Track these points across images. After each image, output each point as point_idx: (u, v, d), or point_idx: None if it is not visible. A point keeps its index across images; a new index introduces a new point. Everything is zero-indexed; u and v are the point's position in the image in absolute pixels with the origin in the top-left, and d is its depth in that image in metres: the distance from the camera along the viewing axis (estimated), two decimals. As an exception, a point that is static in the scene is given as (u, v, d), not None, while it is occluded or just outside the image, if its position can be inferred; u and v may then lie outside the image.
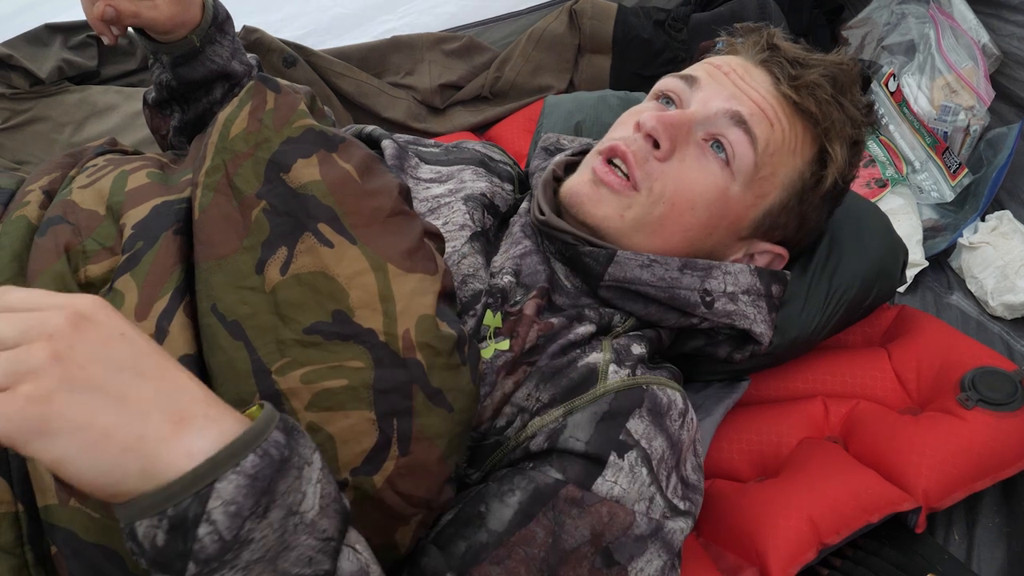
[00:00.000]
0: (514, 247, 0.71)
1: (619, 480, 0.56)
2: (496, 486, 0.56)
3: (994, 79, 1.51)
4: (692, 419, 0.64)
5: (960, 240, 1.35)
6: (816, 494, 0.71)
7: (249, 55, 0.92)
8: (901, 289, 1.31)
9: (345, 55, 1.56)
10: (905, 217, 1.40)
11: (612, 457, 0.57)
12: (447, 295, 0.55)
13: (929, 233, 1.43)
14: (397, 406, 0.49)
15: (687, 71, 0.74)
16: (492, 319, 0.64)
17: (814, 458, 0.76)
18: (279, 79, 0.64)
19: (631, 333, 0.69)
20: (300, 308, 0.51)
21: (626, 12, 1.61)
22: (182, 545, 0.35)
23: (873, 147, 1.51)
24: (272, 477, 0.37)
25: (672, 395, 0.63)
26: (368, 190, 0.57)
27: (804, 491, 0.72)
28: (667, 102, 0.73)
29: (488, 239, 0.73)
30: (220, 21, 0.84)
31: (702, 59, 0.76)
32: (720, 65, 0.72)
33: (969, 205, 1.44)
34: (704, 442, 0.80)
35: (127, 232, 0.56)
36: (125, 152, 0.76)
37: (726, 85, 0.70)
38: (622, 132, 0.72)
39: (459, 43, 1.62)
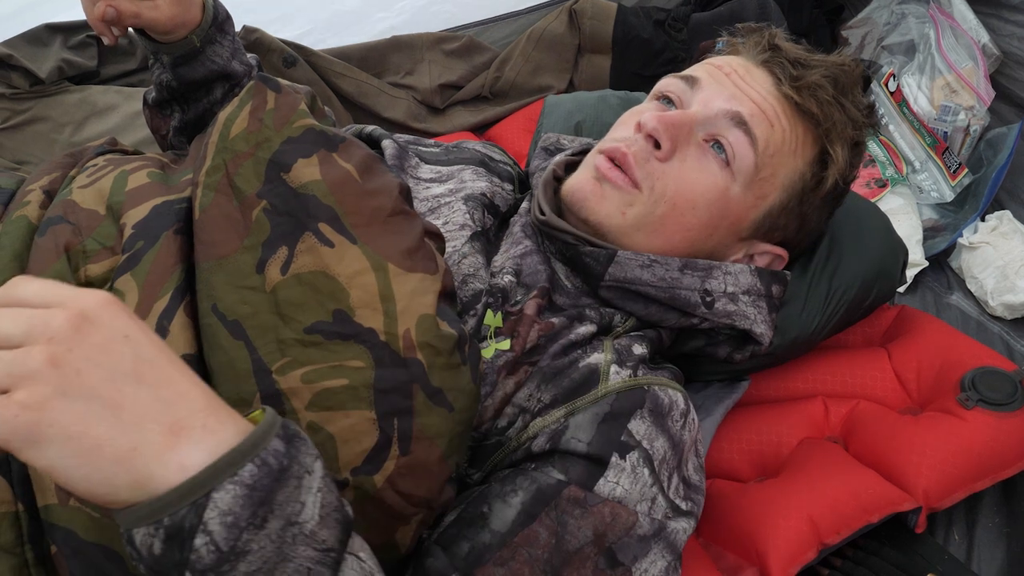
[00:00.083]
0: (514, 247, 0.71)
1: (621, 481, 0.56)
2: (499, 487, 0.56)
3: (994, 79, 1.51)
4: (693, 419, 0.64)
5: (960, 240, 1.35)
6: (816, 494, 0.71)
7: (249, 55, 0.92)
8: (901, 289, 1.31)
9: (345, 55, 1.56)
10: (905, 217, 1.40)
11: (614, 458, 0.57)
12: (448, 295, 0.55)
13: (929, 233, 1.44)
14: (398, 406, 0.49)
15: (688, 71, 0.74)
16: (493, 319, 0.64)
17: (814, 458, 0.76)
18: (279, 79, 0.64)
19: (632, 333, 0.69)
20: (301, 308, 0.51)
21: (626, 12, 1.61)
22: (179, 555, 0.35)
23: (873, 147, 1.51)
24: (270, 487, 0.37)
25: (673, 396, 0.63)
26: (368, 190, 0.57)
27: (804, 491, 0.72)
28: (668, 103, 0.73)
29: (488, 239, 0.73)
30: (220, 21, 0.84)
31: (702, 59, 0.76)
32: (721, 66, 0.72)
33: (969, 205, 1.44)
34: (704, 442, 0.80)
35: (127, 232, 0.56)
36: (125, 152, 0.76)
37: (727, 86, 0.70)
38: (623, 132, 0.72)
39: (459, 43, 1.62)
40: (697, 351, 0.77)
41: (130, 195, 0.60)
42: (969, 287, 1.32)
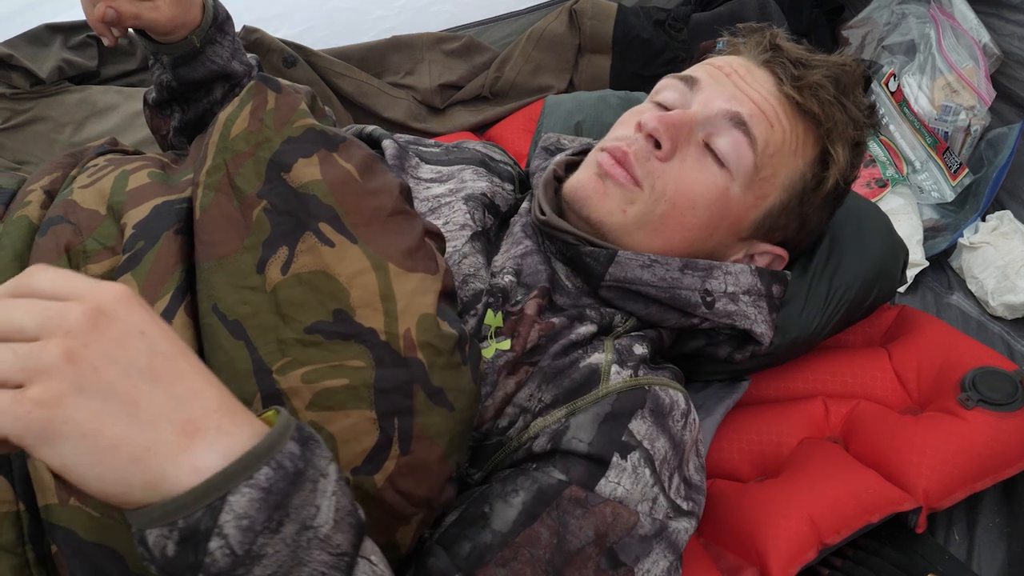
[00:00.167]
0: (515, 247, 0.71)
1: (622, 481, 0.56)
2: (500, 487, 0.56)
3: (995, 79, 1.51)
4: (694, 419, 0.64)
5: (960, 240, 1.35)
6: (816, 494, 0.71)
7: (249, 55, 0.92)
8: (901, 289, 1.31)
9: (345, 55, 1.56)
10: (905, 217, 1.40)
11: (615, 458, 0.57)
12: (448, 294, 0.55)
13: (929, 233, 1.44)
14: (398, 405, 0.49)
15: (687, 72, 0.74)
16: (493, 319, 0.64)
17: (814, 458, 0.76)
18: (279, 79, 0.64)
19: (632, 333, 0.69)
20: (301, 307, 0.51)
21: (626, 12, 1.61)
22: (193, 557, 0.35)
23: (873, 147, 1.51)
24: (286, 490, 0.36)
25: (674, 396, 0.63)
26: (369, 189, 0.57)
27: (804, 491, 0.71)
28: (668, 105, 0.73)
29: (489, 239, 0.73)
30: (220, 21, 0.84)
31: (703, 59, 0.76)
32: (722, 66, 0.72)
33: (969, 205, 1.44)
34: (704, 442, 0.80)
35: (128, 232, 0.56)
36: (126, 152, 0.76)
37: (726, 86, 0.70)
38: (623, 131, 0.72)
39: (459, 43, 1.62)
40: (697, 351, 0.77)
41: (131, 195, 0.61)
42: (969, 287, 1.32)
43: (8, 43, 1.39)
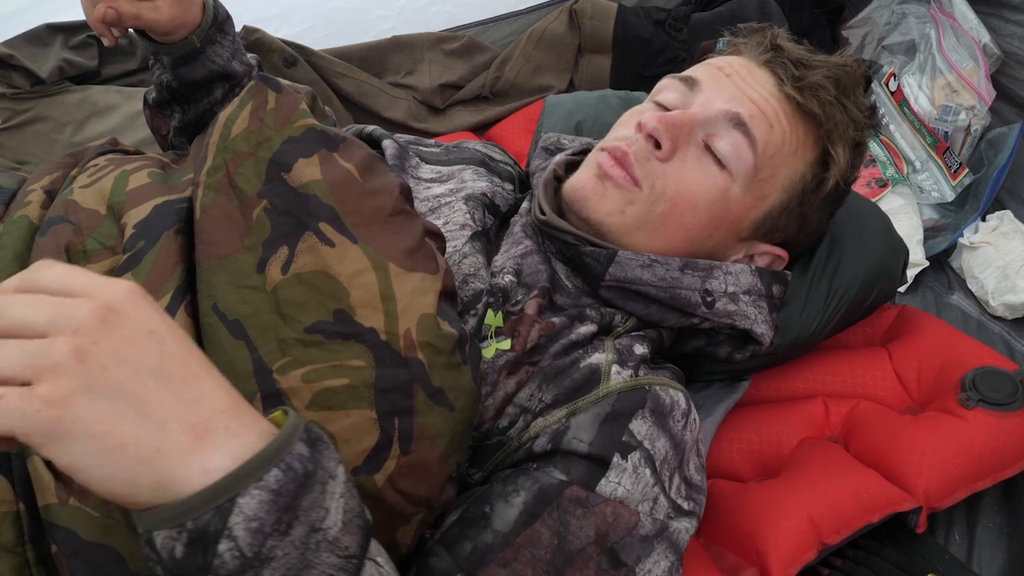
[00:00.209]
0: (515, 247, 0.71)
1: (623, 481, 0.56)
2: (500, 487, 0.56)
3: (995, 79, 1.51)
4: (695, 420, 0.64)
5: (961, 240, 1.35)
6: (816, 494, 0.71)
7: (249, 55, 0.92)
8: (902, 289, 1.31)
9: (345, 55, 1.56)
10: (906, 217, 1.40)
11: (615, 458, 0.57)
12: (448, 294, 0.55)
13: (930, 233, 1.44)
14: (398, 405, 0.49)
15: (687, 72, 0.74)
16: (493, 318, 0.64)
17: (814, 458, 0.76)
18: (280, 79, 0.64)
19: (633, 333, 0.69)
20: (301, 307, 0.51)
21: (626, 12, 1.61)
22: (201, 559, 0.34)
23: (873, 147, 1.51)
24: (295, 492, 0.36)
25: (675, 396, 0.63)
26: (369, 189, 0.57)
27: (804, 491, 0.71)
28: (668, 105, 0.73)
29: (489, 239, 0.73)
30: (220, 22, 0.84)
31: (703, 59, 0.76)
32: (722, 66, 0.72)
33: (970, 205, 1.44)
34: (705, 442, 0.80)
35: (128, 232, 0.56)
36: (126, 152, 0.76)
37: (726, 87, 0.70)
38: (624, 132, 0.72)
39: (459, 43, 1.62)
40: (697, 351, 0.77)
41: (131, 195, 0.61)
42: (970, 287, 1.32)
43: (8, 43, 1.39)
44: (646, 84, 0.81)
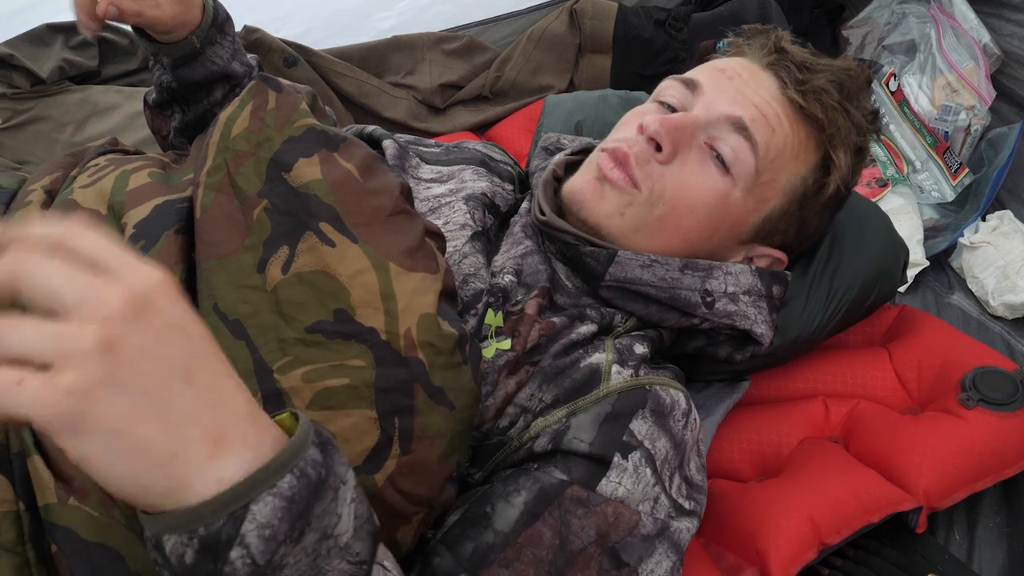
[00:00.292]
0: (515, 247, 0.71)
1: (623, 481, 0.56)
2: (501, 487, 0.56)
3: (995, 79, 1.51)
4: (695, 419, 0.64)
5: (961, 240, 1.35)
6: (817, 494, 0.71)
7: (249, 55, 0.92)
8: (902, 289, 1.31)
9: (345, 55, 1.56)
10: (906, 217, 1.40)
11: (616, 458, 0.57)
12: (448, 294, 0.55)
13: (930, 233, 1.43)
14: (399, 405, 0.49)
15: (690, 74, 0.74)
16: (494, 318, 0.64)
17: (815, 458, 0.76)
18: (280, 79, 0.64)
19: (633, 333, 0.69)
20: (302, 307, 0.51)
21: (626, 12, 1.61)
22: (212, 566, 0.34)
23: (873, 147, 1.51)
24: (308, 499, 0.35)
25: (675, 395, 0.63)
26: (369, 189, 0.57)
27: (805, 491, 0.71)
28: (669, 109, 0.73)
29: (489, 239, 0.73)
30: (220, 22, 0.84)
31: (705, 59, 0.76)
32: (725, 69, 0.72)
33: (970, 205, 1.44)
34: (705, 442, 0.80)
35: (128, 231, 0.56)
36: (126, 152, 0.76)
37: (728, 90, 0.70)
38: (625, 133, 0.72)
39: (459, 43, 1.62)
40: (697, 351, 0.77)
41: (131, 195, 0.61)
42: (970, 287, 1.32)
43: (9, 43, 1.39)
44: (646, 84, 0.81)
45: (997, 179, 1.38)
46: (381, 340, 0.50)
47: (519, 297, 0.66)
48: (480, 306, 0.65)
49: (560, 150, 0.86)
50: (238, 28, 0.92)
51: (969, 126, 1.50)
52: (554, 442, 0.58)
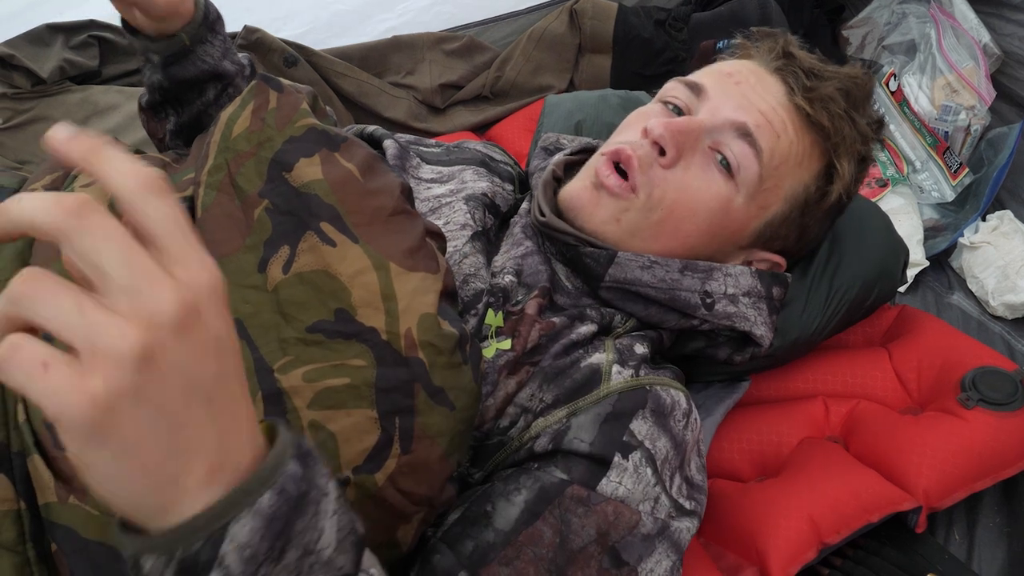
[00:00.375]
0: (515, 247, 0.71)
1: (624, 481, 0.56)
2: (502, 485, 0.56)
3: (995, 79, 1.51)
4: (695, 419, 0.64)
5: (961, 240, 1.35)
6: (817, 494, 0.71)
7: (242, 55, 0.91)
8: (902, 289, 1.31)
9: (346, 55, 1.56)
10: (906, 217, 1.40)
11: (616, 458, 0.57)
12: (449, 294, 0.55)
13: (930, 233, 1.44)
14: (399, 404, 0.49)
15: (694, 77, 0.73)
16: (494, 318, 0.64)
17: (815, 458, 0.76)
18: (281, 79, 0.65)
19: (633, 333, 0.69)
20: (302, 307, 0.51)
21: (627, 12, 1.61)
22: None
23: (874, 147, 1.51)
24: (288, 516, 0.33)
25: (675, 395, 0.63)
26: (370, 189, 0.57)
27: (805, 491, 0.72)
28: (675, 110, 0.72)
29: (489, 239, 0.73)
30: (211, 21, 0.83)
31: (706, 59, 0.76)
32: (732, 73, 0.71)
33: (970, 205, 1.44)
34: (705, 442, 0.80)
35: (129, 231, 0.56)
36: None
37: (733, 95, 0.69)
38: (629, 135, 0.71)
39: (459, 43, 1.62)
40: (697, 352, 0.77)
41: (132, 194, 0.60)
42: (970, 287, 1.32)
43: (9, 43, 1.39)
44: (646, 84, 0.81)
45: (997, 179, 1.38)
46: (382, 340, 0.50)
47: (519, 297, 0.66)
48: (480, 306, 0.65)
49: (560, 150, 0.86)
50: (238, 28, 0.91)
51: (969, 126, 1.50)
52: (554, 442, 0.58)
